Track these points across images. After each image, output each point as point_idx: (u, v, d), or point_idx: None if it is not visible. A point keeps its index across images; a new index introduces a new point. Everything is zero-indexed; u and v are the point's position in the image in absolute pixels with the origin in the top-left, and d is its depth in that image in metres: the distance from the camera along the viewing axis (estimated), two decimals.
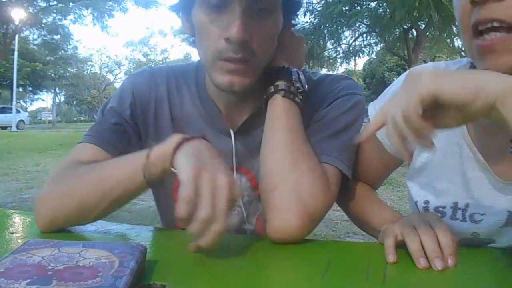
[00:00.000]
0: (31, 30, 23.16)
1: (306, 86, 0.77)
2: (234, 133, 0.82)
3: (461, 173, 0.71)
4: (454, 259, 0.57)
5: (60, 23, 23.29)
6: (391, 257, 0.59)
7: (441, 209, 0.74)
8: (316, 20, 10.54)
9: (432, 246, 0.57)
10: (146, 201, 4.03)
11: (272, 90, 0.75)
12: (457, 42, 10.04)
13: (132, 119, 0.83)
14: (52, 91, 39.45)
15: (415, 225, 0.62)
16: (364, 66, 34.48)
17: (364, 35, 11.86)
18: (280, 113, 0.73)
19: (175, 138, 0.62)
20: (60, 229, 0.70)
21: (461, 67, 0.74)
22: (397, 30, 10.62)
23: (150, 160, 0.63)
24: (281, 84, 0.74)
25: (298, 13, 0.82)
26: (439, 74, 0.49)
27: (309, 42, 10.12)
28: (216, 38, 0.69)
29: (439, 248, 0.58)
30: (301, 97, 0.75)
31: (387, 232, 0.63)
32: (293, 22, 0.81)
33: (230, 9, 0.67)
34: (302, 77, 0.77)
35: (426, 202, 0.77)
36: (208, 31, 0.70)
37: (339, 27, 10.72)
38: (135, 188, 0.66)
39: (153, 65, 1.01)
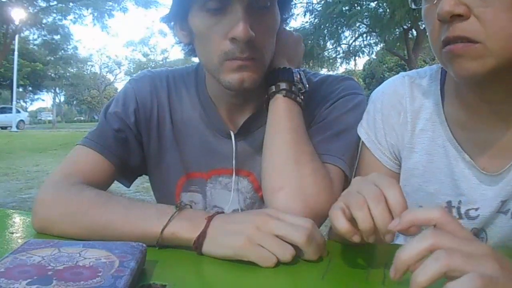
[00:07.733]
0: (31, 30, 23.19)
1: (307, 86, 0.77)
2: (235, 134, 0.82)
3: (450, 172, 0.73)
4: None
5: (60, 23, 23.29)
6: (356, 237, 0.51)
7: None
8: (316, 20, 10.54)
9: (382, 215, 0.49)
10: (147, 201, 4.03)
11: (274, 90, 0.75)
12: None
13: (136, 126, 0.83)
14: (52, 91, 39.39)
15: (360, 190, 0.53)
16: (364, 66, 34.48)
17: (364, 35, 11.85)
18: (282, 113, 0.73)
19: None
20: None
21: (432, 74, 0.76)
22: (397, 30, 10.62)
23: (166, 236, 0.60)
24: (282, 84, 0.74)
25: (291, 8, 0.82)
26: None
27: (309, 42, 10.12)
28: (220, 40, 0.69)
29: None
30: (302, 97, 0.75)
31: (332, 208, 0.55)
32: (285, 16, 0.81)
33: (231, 9, 0.67)
34: (303, 77, 0.77)
35: (420, 207, 0.76)
36: (211, 34, 0.70)
37: (339, 27, 10.72)
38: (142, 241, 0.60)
39: (152, 68, 1.00)
